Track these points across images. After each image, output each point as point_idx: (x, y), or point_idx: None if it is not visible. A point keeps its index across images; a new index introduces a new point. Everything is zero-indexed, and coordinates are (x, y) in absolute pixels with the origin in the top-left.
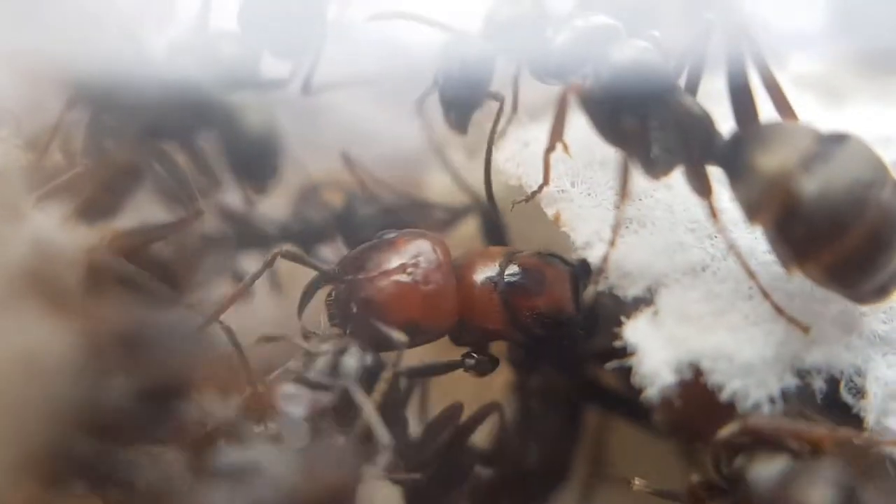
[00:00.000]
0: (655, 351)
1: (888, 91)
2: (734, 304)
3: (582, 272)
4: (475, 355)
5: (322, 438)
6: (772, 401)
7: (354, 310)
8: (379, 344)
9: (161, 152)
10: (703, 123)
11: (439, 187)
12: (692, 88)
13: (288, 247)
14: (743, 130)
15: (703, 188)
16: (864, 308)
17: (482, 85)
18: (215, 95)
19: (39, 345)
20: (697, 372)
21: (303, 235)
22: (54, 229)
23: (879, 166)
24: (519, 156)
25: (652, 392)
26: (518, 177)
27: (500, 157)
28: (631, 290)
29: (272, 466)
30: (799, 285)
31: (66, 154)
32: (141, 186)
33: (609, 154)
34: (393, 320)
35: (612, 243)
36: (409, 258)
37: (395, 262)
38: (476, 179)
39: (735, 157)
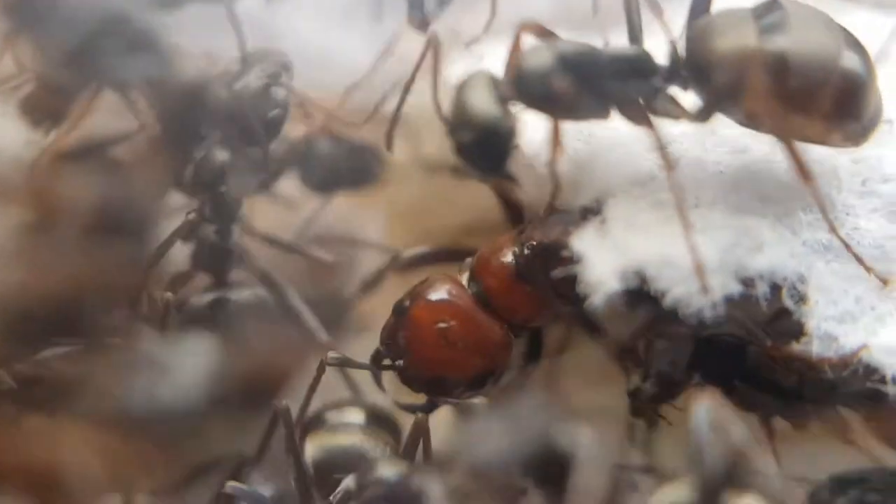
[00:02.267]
0: (601, 259)
1: None
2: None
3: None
4: None
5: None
6: (714, 307)
7: (424, 390)
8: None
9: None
10: (639, 62)
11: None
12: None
13: (334, 354)
14: (683, 36)
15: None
16: (809, 217)
17: None
18: (153, 28)
19: None
20: (642, 279)
21: None
22: None
23: (819, 10)
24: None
25: (597, 299)
26: None
27: (455, 72)
28: (579, 200)
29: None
30: (746, 197)
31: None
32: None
33: None
34: (459, 384)
35: (553, 158)
36: (437, 323)
37: (427, 333)
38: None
39: (694, 62)
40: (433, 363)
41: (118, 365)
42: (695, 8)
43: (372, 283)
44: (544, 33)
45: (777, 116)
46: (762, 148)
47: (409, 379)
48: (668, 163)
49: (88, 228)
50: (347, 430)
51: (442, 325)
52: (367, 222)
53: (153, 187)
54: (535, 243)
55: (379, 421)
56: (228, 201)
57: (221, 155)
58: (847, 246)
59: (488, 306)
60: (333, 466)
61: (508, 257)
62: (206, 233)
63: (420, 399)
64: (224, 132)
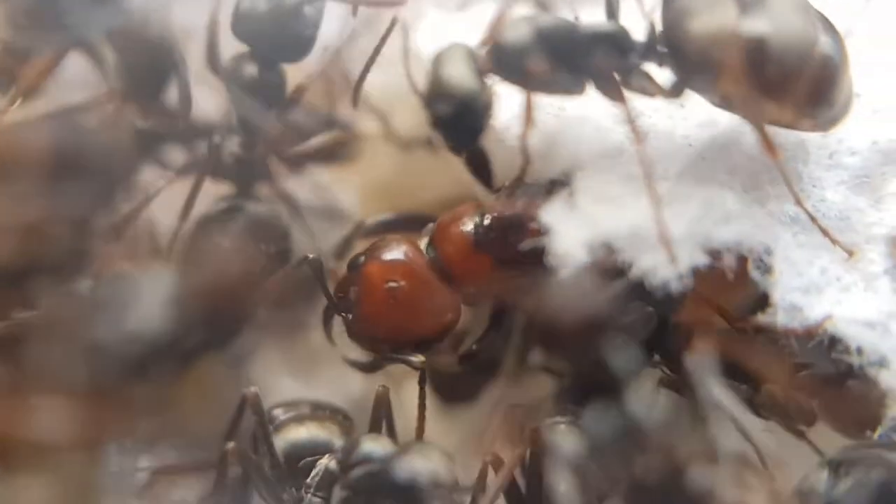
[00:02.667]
0: (569, 231)
1: None
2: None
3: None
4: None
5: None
6: (681, 277)
7: (369, 347)
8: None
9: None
10: (617, 38)
11: (381, 87)
12: None
13: (315, 257)
14: (661, 12)
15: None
16: (775, 189)
17: None
18: None
19: None
20: (609, 250)
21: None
22: None
23: None
24: None
25: (565, 272)
26: None
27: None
28: (548, 173)
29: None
30: (713, 169)
31: None
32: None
33: None
34: (403, 343)
35: (525, 131)
36: (387, 281)
37: (376, 291)
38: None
39: (671, 40)
40: (380, 321)
41: (83, 305)
42: None
43: (339, 252)
44: None
45: (749, 101)
46: (730, 121)
47: (355, 334)
48: (638, 136)
49: (48, 175)
50: (305, 421)
51: (392, 284)
52: (341, 198)
53: (115, 129)
54: (495, 214)
55: (330, 412)
56: (254, 114)
57: (251, 69)
58: (813, 218)
59: (443, 273)
60: (300, 455)
61: (468, 226)
62: (230, 144)
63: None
64: (257, 47)
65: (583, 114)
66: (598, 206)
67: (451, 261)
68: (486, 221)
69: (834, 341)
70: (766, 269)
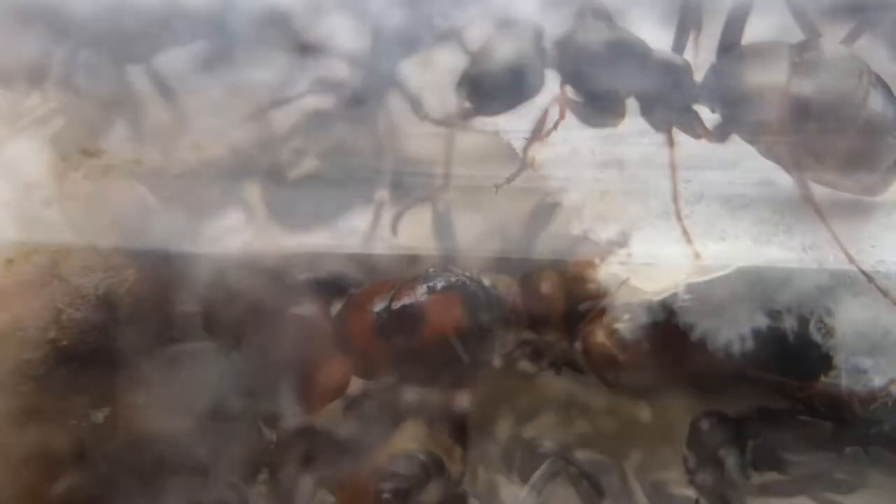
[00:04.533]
0: (627, 292)
1: None
2: (707, 245)
3: (474, 287)
4: None
5: None
6: (742, 340)
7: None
8: None
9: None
10: (682, 73)
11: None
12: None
13: None
14: (721, 59)
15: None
16: (835, 250)
17: None
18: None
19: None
20: (670, 312)
21: None
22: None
23: (857, 57)
24: None
25: (623, 331)
26: None
27: None
28: (605, 233)
29: None
30: (772, 230)
31: (40, 90)
32: (114, 121)
33: None
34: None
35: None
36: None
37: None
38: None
39: (725, 85)
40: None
41: None
42: (727, 32)
43: None
44: None
45: (793, 157)
46: (787, 181)
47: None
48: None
49: None
50: None
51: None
52: None
53: None
54: (398, 303)
55: None
56: None
57: None
58: (870, 278)
59: (342, 341)
60: None
61: (376, 307)
62: None
63: None
64: None
65: (637, 174)
66: (655, 268)
67: (350, 335)
68: (393, 307)
69: None
70: (828, 331)
